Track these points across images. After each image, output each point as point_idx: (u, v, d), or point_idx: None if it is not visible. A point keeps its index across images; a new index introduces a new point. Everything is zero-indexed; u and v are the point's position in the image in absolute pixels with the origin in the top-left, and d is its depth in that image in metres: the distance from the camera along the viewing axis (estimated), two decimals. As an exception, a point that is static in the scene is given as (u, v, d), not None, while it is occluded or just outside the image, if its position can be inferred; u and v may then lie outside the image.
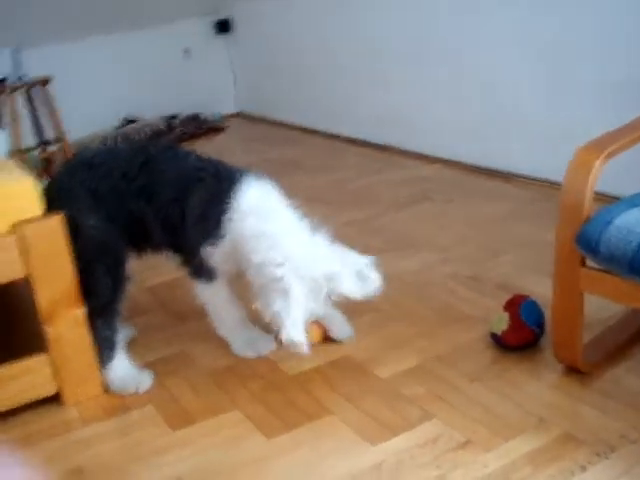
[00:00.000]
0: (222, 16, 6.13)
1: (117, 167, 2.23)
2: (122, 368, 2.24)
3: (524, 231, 3.02)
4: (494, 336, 2.16)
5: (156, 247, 2.31)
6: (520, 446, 1.76)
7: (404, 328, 2.37)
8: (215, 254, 2.17)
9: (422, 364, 2.15)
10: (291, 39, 5.38)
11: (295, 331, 1.96)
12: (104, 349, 2.19)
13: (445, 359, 2.16)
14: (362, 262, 2.11)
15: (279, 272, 1.99)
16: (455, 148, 4.03)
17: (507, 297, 2.21)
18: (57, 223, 2.03)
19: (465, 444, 1.79)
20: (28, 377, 2.09)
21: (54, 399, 2.15)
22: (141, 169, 2.22)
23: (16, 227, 1.99)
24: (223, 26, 6.14)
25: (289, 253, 2.02)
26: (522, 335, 2.10)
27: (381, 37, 4.40)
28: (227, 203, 2.11)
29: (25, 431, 2.07)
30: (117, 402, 2.16)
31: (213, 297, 2.30)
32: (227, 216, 2.11)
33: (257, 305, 2.05)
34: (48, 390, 2.13)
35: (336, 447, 1.84)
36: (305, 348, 1.98)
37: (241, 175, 2.17)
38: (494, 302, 2.36)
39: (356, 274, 2.08)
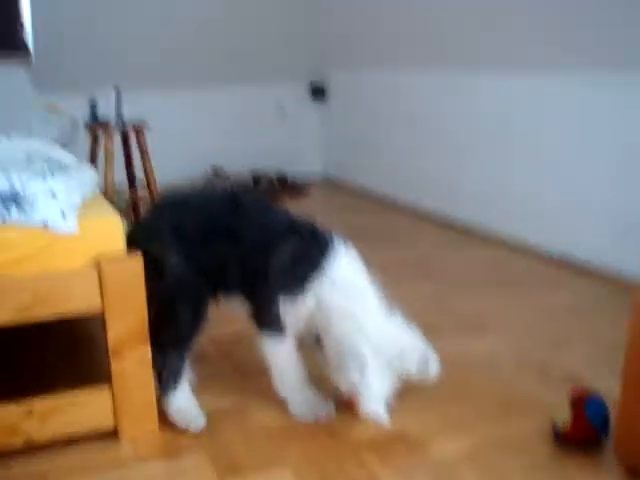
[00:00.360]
0: (319, 82, 6.28)
1: (206, 209, 2.32)
2: (183, 399, 2.28)
3: (595, 324, 2.97)
4: (555, 429, 2.11)
5: (230, 292, 2.32)
6: None
7: (464, 410, 2.34)
8: (291, 311, 2.20)
9: (478, 449, 2.11)
10: (381, 111, 5.48)
11: (376, 404, 2.07)
12: (170, 377, 2.24)
13: (502, 446, 2.11)
14: (425, 346, 2.23)
15: (360, 347, 2.07)
16: (533, 233, 4.00)
17: (573, 390, 2.17)
18: (137, 263, 2.09)
19: (513, 536, 1.75)
20: (88, 408, 2.13)
21: (111, 433, 2.19)
22: (231, 212, 2.27)
23: (97, 263, 2.06)
24: (318, 92, 6.29)
25: (370, 331, 2.11)
26: (584, 432, 2.04)
27: (468, 117, 4.45)
28: (318, 265, 2.16)
29: (79, 461, 2.10)
30: (171, 443, 2.17)
31: (278, 354, 2.30)
32: (315, 278, 2.16)
33: (332, 373, 2.17)
34: (106, 423, 2.16)
35: (381, 520, 1.82)
36: (386, 420, 2.09)
37: (335, 240, 2.23)
38: (559, 394, 2.29)
39: (420, 356, 2.20)
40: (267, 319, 2.25)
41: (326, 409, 2.30)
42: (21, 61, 5.32)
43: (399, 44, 5.11)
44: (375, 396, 2.06)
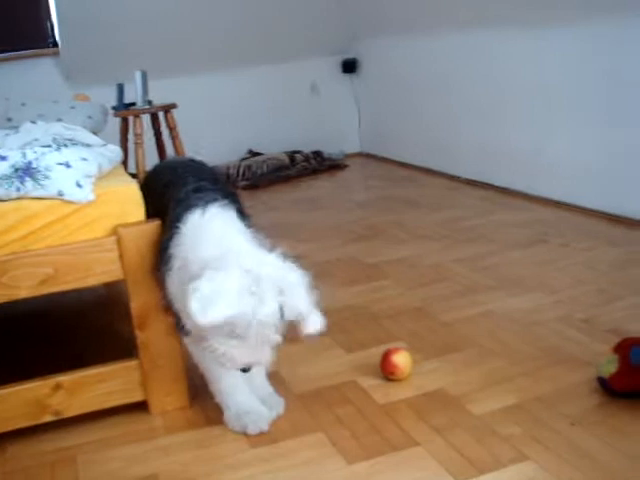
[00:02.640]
0: (349, 56, 6.18)
1: (155, 182, 2.23)
2: None
3: (645, 277, 2.83)
4: (601, 380, 2.00)
5: None
6: (620, 497, 1.60)
7: (505, 366, 2.24)
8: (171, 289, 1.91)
9: (520, 403, 2.01)
10: (414, 80, 5.35)
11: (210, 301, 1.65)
12: None
13: (546, 400, 2.01)
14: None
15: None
16: (575, 192, 3.86)
17: (619, 341, 2.06)
18: (154, 229, 2.04)
19: (559, 490, 1.65)
20: (117, 381, 2.09)
21: (142, 406, 2.14)
22: (164, 187, 2.12)
23: (116, 230, 2.02)
24: (349, 66, 6.18)
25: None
26: (631, 380, 1.93)
27: (503, 79, 4.31)
28: (176, 228, 1.89)
29: (109, 434, 2.07)
30: (202, 415, 2.12)
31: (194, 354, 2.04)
32: (173, 242, 1.88)
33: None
34: (136, 396, 2.12)
35: (416, 479, 1.73)
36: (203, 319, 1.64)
37: (203, 203, 1.92)
38: (605, 346, 2.19)
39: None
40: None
41: (262, 420, 2.02)
42: (50, 54, 5.35)
43: (429, 8, 4.97)
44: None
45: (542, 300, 2.71)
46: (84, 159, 2.09)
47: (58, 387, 2.03)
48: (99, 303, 3.06)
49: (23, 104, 3.99)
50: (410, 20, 5.22)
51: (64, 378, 2.05)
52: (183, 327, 1.91)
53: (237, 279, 1.67)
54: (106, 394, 2.09)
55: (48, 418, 2.04)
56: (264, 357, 1.77)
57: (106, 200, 2.04)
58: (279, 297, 1.69)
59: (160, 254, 1.94)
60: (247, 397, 2.04)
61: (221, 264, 1.71)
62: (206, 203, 1.91)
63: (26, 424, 2.04)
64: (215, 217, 1.88)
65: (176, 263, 1.85)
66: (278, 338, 1.73)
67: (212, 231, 1.85)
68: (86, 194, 2.00)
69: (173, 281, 1.87)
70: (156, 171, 2.36)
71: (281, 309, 1.70)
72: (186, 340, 2.01)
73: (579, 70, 3.73)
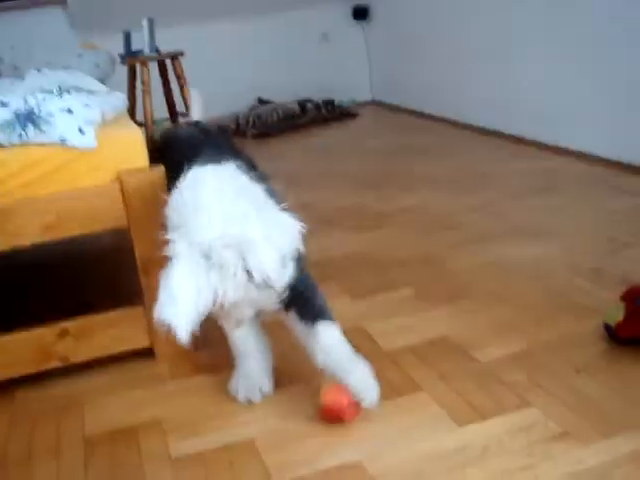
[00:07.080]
0: (360, 2, 6.07)
1: (177, 147, 2.12)
2: None
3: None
4: (607, 327, 1.98)
5: None
6: (621, 444, 1.58)
7: (512, 313, 2.22)
8: None
9: (526, 350, 2.00)
10: (426, 26, 5.26)
11: (169, 309, 1.52)
12: None
13: (552, 347, 2.00)
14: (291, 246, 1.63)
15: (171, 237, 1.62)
16: (589, 140, 3.79)
17: (627, 288, 2.03)
18: (158, 176, 2.02)
19: (561, 436, 1.64)
20: (122, 327, 2.10)
21: (148, 353, 2.16)
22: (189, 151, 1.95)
23: (119, 176, 2.01)
24: (361, 12, 6.07)
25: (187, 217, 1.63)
26: (637, 327, 1.92)
27: (513, 24, 4.22)
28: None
29: (113, 379, 2.10)
30: (207, 361, 2.14)
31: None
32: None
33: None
34: (141, 342, 2.13)
35: (420, 424, 1.74)
36: (184, 335, 1.54)
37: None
38: (613, 295, 2.16)
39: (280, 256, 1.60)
40: None
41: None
42: (58, 3, 5.29)
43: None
44: (171, 300, 1.54)
45: (551, 248, 2.68)
46: (86, 105, 2.07)
47: (64, 333, 2.05)
48: (106, 251, 3.06)
49: (30, 53, 3.96)
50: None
51: (70, 324, 2.06)
52: None
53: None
54: (112, 340, 2.10)
55: (55, 364, 2.06)
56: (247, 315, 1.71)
57: (109, 146, 2.03)
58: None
59: None
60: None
61: None
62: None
63: (33, 370, 2.06)
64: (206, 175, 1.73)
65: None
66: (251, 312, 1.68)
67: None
68: (88, 140, 1.99)
69: None
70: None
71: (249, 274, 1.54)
72: None
73: (585, 13, 3.64)
